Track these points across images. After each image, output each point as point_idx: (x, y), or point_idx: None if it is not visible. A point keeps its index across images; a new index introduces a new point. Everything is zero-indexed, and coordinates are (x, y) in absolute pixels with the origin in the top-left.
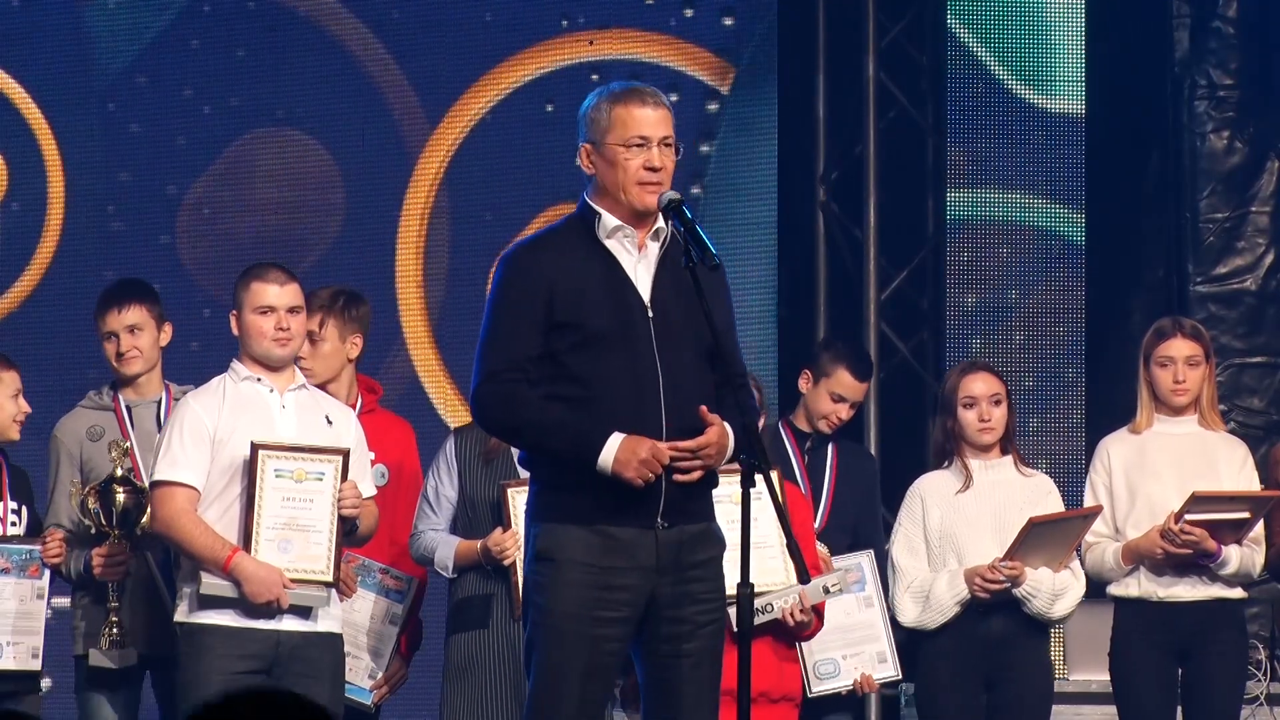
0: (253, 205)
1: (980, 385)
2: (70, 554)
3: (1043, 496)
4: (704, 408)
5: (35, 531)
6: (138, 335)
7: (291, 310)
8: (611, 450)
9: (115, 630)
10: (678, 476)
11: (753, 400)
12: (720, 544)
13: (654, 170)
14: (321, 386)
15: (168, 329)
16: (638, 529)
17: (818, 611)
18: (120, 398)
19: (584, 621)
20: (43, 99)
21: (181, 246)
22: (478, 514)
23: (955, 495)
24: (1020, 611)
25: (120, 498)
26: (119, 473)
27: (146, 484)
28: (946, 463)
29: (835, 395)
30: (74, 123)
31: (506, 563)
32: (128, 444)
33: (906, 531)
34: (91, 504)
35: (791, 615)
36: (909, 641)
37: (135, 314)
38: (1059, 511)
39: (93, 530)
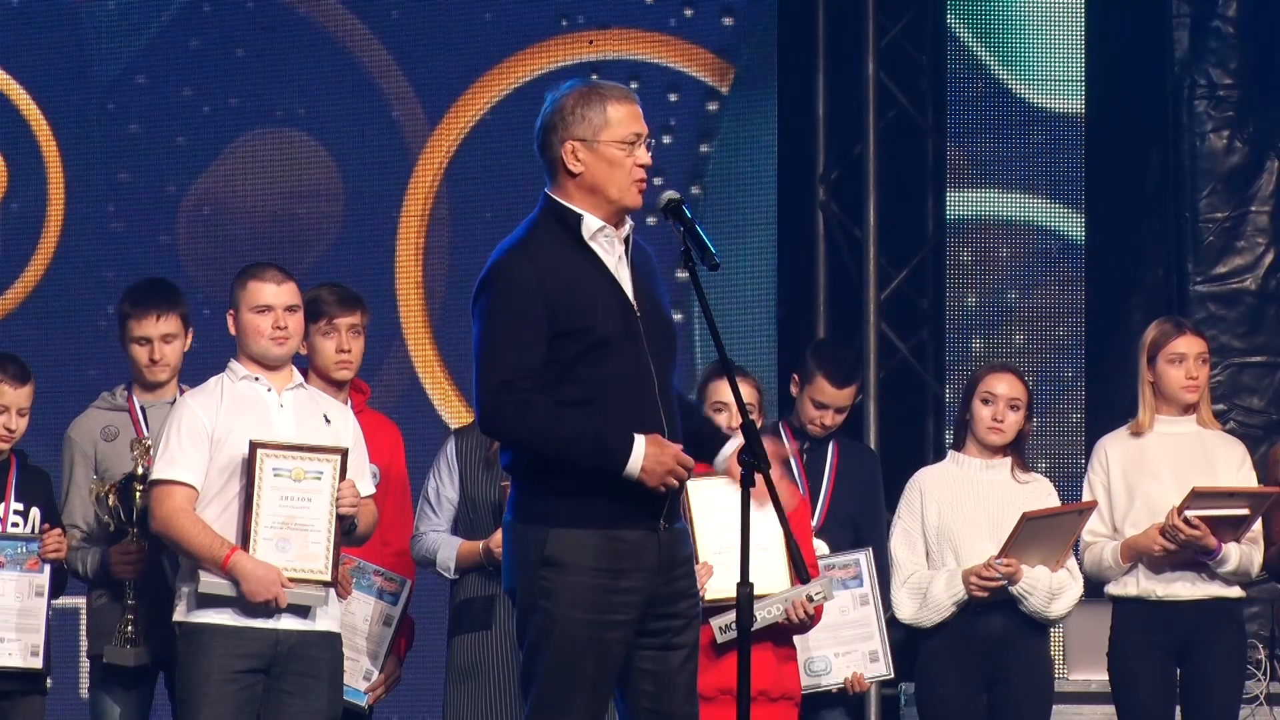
0: (252, 205)
1: (1003, 386)
2: (88, 552)
3: (1041, 499)
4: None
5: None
6: (170, 343)
7: (289, 309)
8: (638, 459)
9: (130, 628)
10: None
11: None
12: (690, 540)
13: (644, 168)
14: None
15: (190, 334)
16: (644, 531)
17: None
18: (135, 398)
19: (594, 626)
20: (43, 99)
21: (181, 246)
22: (479, 515)
23: (954, 493)
24: (1018, 610)
25: (139, 496)
26: (139, 471)
27: None
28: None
29: (816, 402)
30: (74, 122)
31: None
32: (148, 442)
33: (905, 525)
34: (111, 501)
35: (791, 618)
36: (908, 640)
37: (172, 323)
38: (1053, 507)
39: (111, 528)
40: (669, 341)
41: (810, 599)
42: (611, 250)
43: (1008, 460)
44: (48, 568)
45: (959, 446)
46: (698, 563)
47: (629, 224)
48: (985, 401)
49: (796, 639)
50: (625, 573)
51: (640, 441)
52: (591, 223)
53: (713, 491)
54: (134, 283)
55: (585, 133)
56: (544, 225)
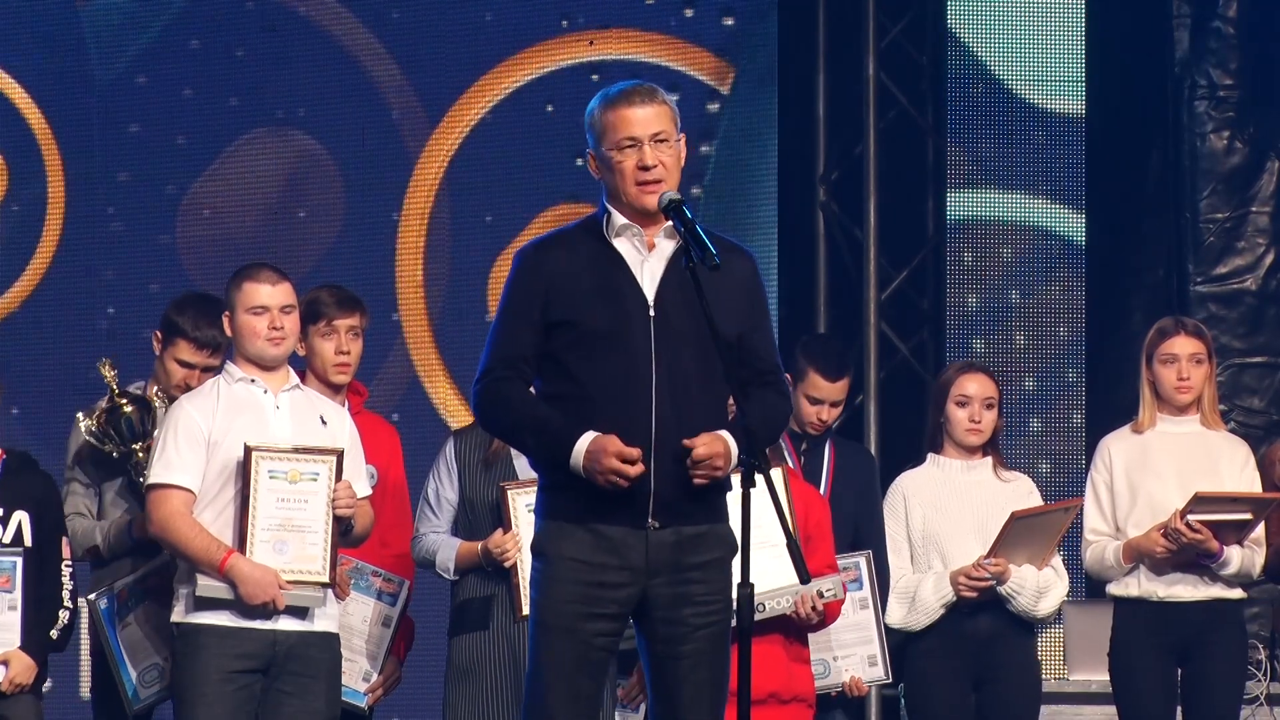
0: (252, 206)
1: (975, 386)
2: (106, 525)
3: (1024, 497)
4: (685, 441)
5: (49, 540)
6: (208, 373)
7: (284, 309)
8: (579, 455)
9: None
10: (697, 481)
11: (784, 399)
12: (727, 547)
13: (646, 169)
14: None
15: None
16: (629, 529)
17: (825, 610)
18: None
19: (572, 617)
20: (43, 99)
21: (181, 247)
22: (478, 516)
23: (937, 496)
24: (1006, 610)
25: (127, 410)
26: (115, 389)
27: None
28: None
29: (811, 398)
30: (74, 122)
31: (507, 564)
32: (109, 359)
33: (890, 531)
34: (101, 424)
35: (799, 613)
36: (901, 642)
37: (216, 358)
38: (1040, 505)
39: (115, 454)
40: (689, 342)
41: (820, 594)
42: (640, 249)
43: (988, 460)
44: (19, 585)
45: (936, 449)
46: None
47: (666, 224)
48: (960, 404)
49: None
50: (607, 568)
51: (586, 437)
52: (616, 220)
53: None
54: (194, 297)
55: (593, 142)
56: (583, 223)
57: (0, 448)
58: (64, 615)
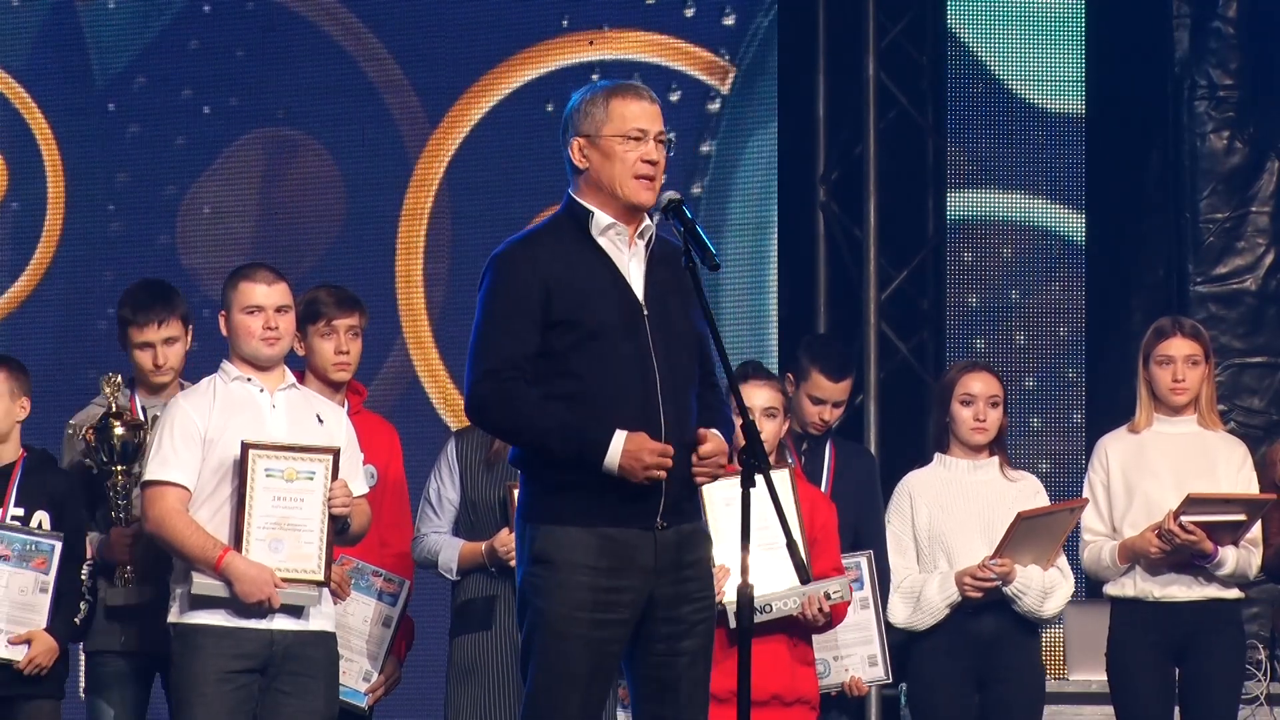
0: (252, 206)
1: (979, 385)
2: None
3: (1031, 497)
4: (701, 430)
5: (70, 538)
6: (173, 346)
7: (280, 310)
8: (616, 452)
9: (128, 571)
10: (700, 480)
11: (727, 402)
12: (709, 543)
13: (651, 164)
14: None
15: (191, 331)
16: (638, 530)
17: (832, 611)
18: (137, 399)
19: (585, 624)
20: (42, 100)
21: (181, 247)
22: (480, 516)
23: (943, 495)
24: (1010, 611)
25: (118, 431)
26: (114, 407)
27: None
28: (931, 459)
29: (814, 398)
30: (74, 123)
31: (512, 564)
32: (118, 376)
33: (895, 530)
34: (90, 440)
35: (806, 614)
36: (904, 642)
37: (173, 327)
38: (1046, 505)
39: (94, 470)
40: (683, 342)
41: (828, 596)
42: (622, 248)
43: (995, 460)
44: (54, 568)
45: (942, 449)
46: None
47: (646, 222)
48: (965, 403)
49: None
50: (617, 571)
51: (620, 436)
52: (601, 219)
53: (731, 493)
54: (131, 286)
55: (589, 129)
56: (557, 222)
57: (20, 446)
58: (84, 607)
